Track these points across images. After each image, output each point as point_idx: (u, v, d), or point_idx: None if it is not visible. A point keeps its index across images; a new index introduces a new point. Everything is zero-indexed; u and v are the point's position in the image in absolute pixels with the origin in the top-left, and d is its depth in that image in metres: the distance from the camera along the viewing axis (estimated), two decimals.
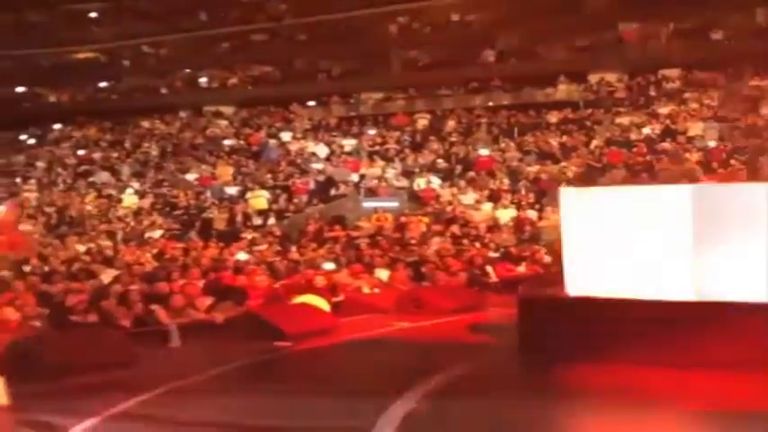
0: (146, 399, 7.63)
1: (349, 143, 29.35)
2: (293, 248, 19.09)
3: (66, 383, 8.26)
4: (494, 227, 20.51)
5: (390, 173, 26.04)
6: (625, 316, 8.51)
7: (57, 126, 36.89)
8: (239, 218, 24.12)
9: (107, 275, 15.48)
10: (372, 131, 30.51)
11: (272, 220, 23.88)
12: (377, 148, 28.50)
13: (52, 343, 9.39)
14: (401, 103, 33.19)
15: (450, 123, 29.99)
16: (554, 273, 11.00)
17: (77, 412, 6.92)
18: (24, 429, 6.71)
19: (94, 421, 6.76)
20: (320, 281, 13.55)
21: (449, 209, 22.42)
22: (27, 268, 17.43)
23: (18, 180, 31.39)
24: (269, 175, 27.03)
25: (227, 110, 35.54)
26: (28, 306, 11.58)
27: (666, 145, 24.14)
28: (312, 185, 25.88)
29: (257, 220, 23.98)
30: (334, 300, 12.92)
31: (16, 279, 14.97)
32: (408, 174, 25.77)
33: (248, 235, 22.13)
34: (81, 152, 33.23)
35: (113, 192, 28.35)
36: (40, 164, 32.62)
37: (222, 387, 8.53)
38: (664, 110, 27.37)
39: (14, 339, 9.38)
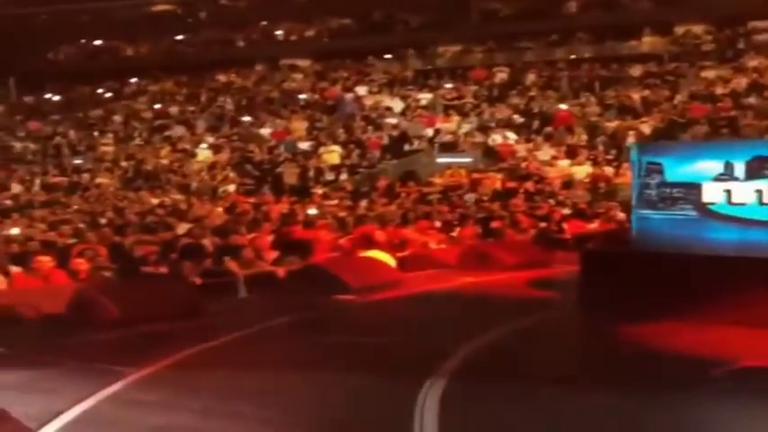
0: (202, 349, 7.62)
1: (425, 97, 28.99)
2: (363, 203, 19.01)
3: (127, 333, 8.32)
4: (569, 183, 20.08)
5: (466, 128, 25.67)
6: (689, 271, 8.14)
7: (133, 80, 37.34)
8: (311, 173, 24.12)
9: (181, 228, 15.64)
10: (449, 85, 30.05)
11: (344, 176, 23.83)
12: (453, 102, 28.06)
13: (117, 293, 9.46)
14: (479, 56, 32.55)
15: (530, 77, 29.35)
16: (626, 229, 10.65)
17: (133, 361, 6.94)
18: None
19: (149, 370, 6.77)
20: (380, 235, 13.42)
21: (523, 165, 22.02)
22: (102, 220, 17.76)
23: (95, 134, 32.00)
24: (342, 130, 26.91)
25: (303, 63, 35.40)
26: (99, 257, 11.74)
27: (752, 100, 23.24)
28: (386, 140, 25.69)
29: (329, 176, 23.95)
30: (400, 254, 12.80)
31: (90, 230, 15.26)
32: (484, 129, 25.35)
33: (320, 190, 22.12)
34: (157, 106, 33.62)
35: (188, 146, 28.63)
36: (117, 117, 33.10)
37: (281, 337, 8.52)
38: (752, 63, 26.27)
39: (81, 288, 9.51)
